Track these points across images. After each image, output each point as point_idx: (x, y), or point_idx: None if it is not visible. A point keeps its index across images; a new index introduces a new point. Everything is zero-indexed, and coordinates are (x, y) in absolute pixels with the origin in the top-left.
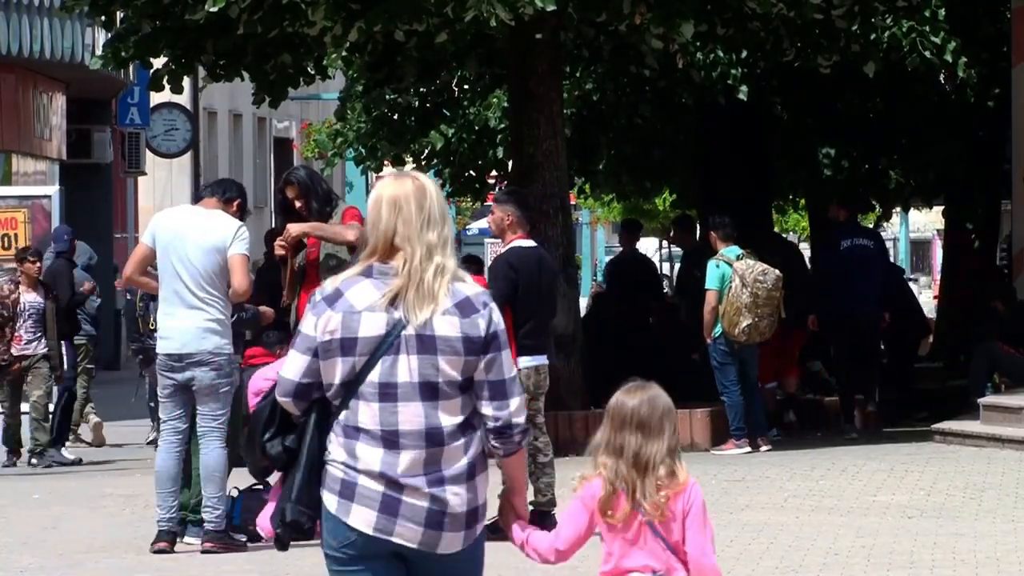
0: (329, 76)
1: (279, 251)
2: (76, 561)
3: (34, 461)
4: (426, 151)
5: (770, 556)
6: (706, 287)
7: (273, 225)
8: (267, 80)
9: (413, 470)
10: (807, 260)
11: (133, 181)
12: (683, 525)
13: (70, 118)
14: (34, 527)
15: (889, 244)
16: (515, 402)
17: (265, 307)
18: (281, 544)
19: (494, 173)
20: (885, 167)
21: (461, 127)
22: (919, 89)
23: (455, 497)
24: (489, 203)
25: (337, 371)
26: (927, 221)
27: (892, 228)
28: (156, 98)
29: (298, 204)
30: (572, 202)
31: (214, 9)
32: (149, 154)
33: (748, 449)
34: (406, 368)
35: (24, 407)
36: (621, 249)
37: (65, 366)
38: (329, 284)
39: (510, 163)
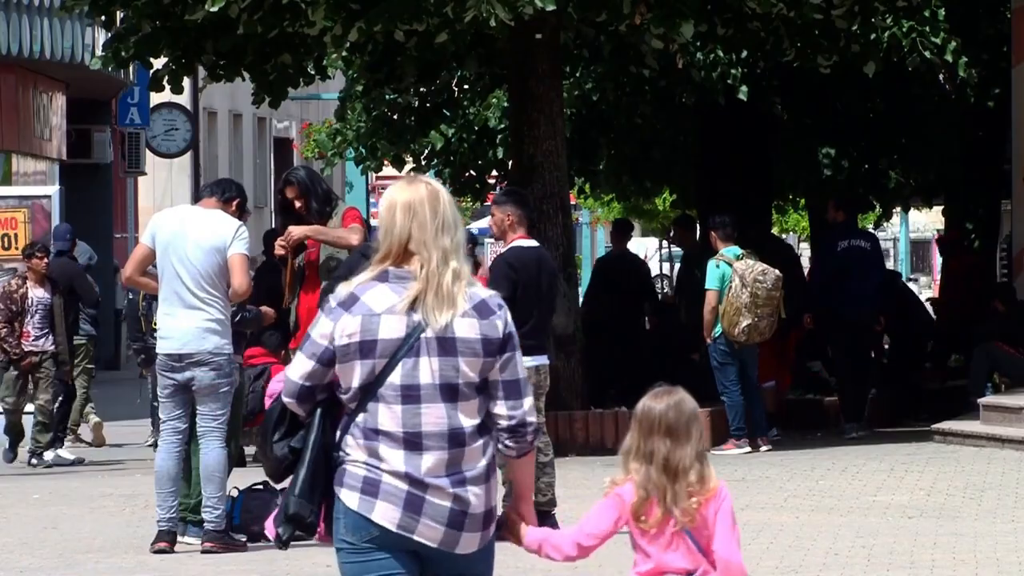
0: (329, 76)
1: (279, 251)
2: (76, 561)
3: (34, 461)
4: (426, 151)
5: (770, 556)
6: (706, 287)
7: (273, 225)
8: (267, 80)
9: (436, 471)
10: (807, 260)
11: (133, 181)
12: (713, 527)
13: (70, 118)
14: (34, 527)
15: (889, 244)
16: (528, 401)
17: (266, 308)
18: (281, 543)
19: (494, 173)
20: (885, 167)
21: (461, 127)
22: (919, 89)
23: (475, 498)
24: (489, 203)
25: (355, 374)
26: (927, 221)
27: (892, 228)
28: (156, 98)
29: (298, 204)
30: (572, 202)
31: (214, 9)
32: (149, 154)
33: (748, 449)
34: (428, 370)
35: (28, 406)
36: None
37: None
38: (343, 289)
39: (510, 163)
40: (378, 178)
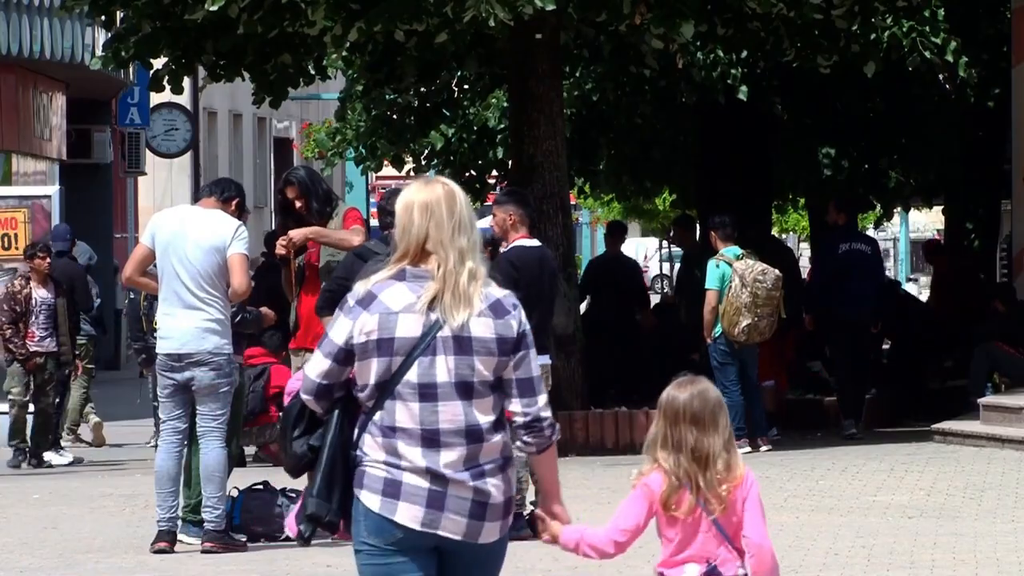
0: (329, 76)
1: (280, 251)
2: (76, 561)
3: (33, 461)
4: (426, 151)
5: None
6: (706, 287)
7: (272, 226)
8: (267, 80)
9: (456, 466)
10: (807, 260)
11: (133, 181)
12: (740, 513)
13: (70, 118)
14: (34, 527)
15: (889, 244)
16: (543, 398)
17: (266, 309)
18: (303, 540)
19: (494, 173)
20: (885, 167)
21: (461, 127)
22: (919, 89)
23: (495, 488)
24: (489, 203)
25: (372, 371)
26: (927, 221)
27: (892, 228)
28: (156, 98)
29: (298, 204)
30: (572, 202)
31: (214, 9)
32: (149, 154)
33: (748, 449)
34: (444, 368)
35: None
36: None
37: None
38: (360, 287)
39: (510, 163)
40: (378, 178)
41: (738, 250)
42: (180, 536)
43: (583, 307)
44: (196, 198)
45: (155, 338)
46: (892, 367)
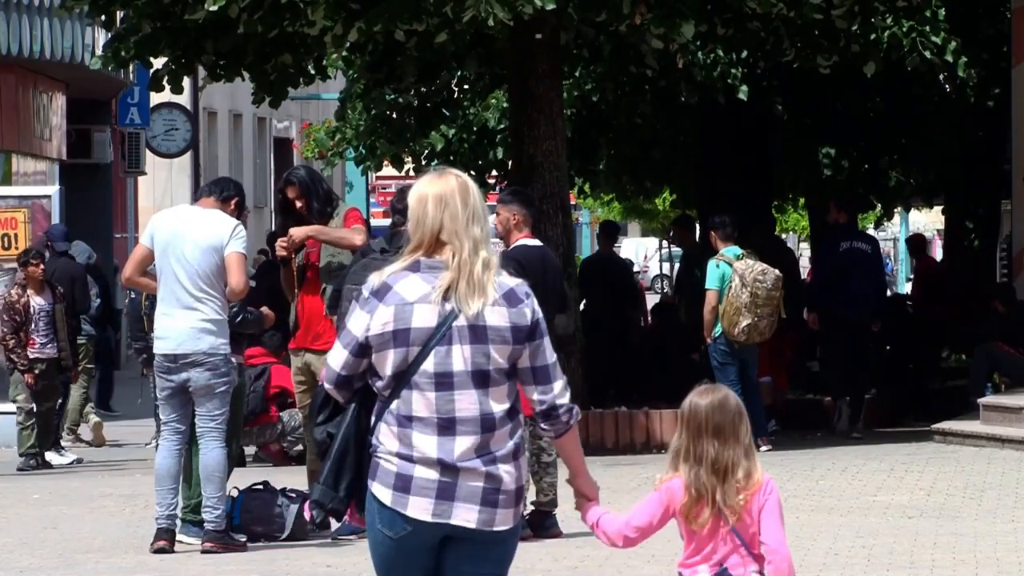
0: (329, 76)
1: (281, 252)
2: (76, 561)
3: (32, 463)
4: (426, 151)
5: None
6: (706, 287)
7: (273, 226)
8: (267, 80)
9: (468, 455)
10: (807, 260)
11: (133, 181)
12: (758, 519)
13: (70, 118)
14: (34, 527)
15: (889, 244)
16: (559, 385)
17: (267, 309)
18: (315, 525)
19: (494, 173)
20: (885, 167)
21: (461, 127)
22: (919, 89)
23: (507, 475)
24: (489, 203)
25: (389, 362)
26: (927, 221)
27: (892, 228)
28: (156, 98)
29: (298, 204)
30: (572, 202)
31: (214, 8)
32: (149, 154)
33: None
34: (460, 357)
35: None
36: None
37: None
38: (375, 279)
39: (510, 163)
40: (378, 178)
41: (738, 250)
42: (180, 536)
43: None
44: (196, 198)
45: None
46: (892, 367)
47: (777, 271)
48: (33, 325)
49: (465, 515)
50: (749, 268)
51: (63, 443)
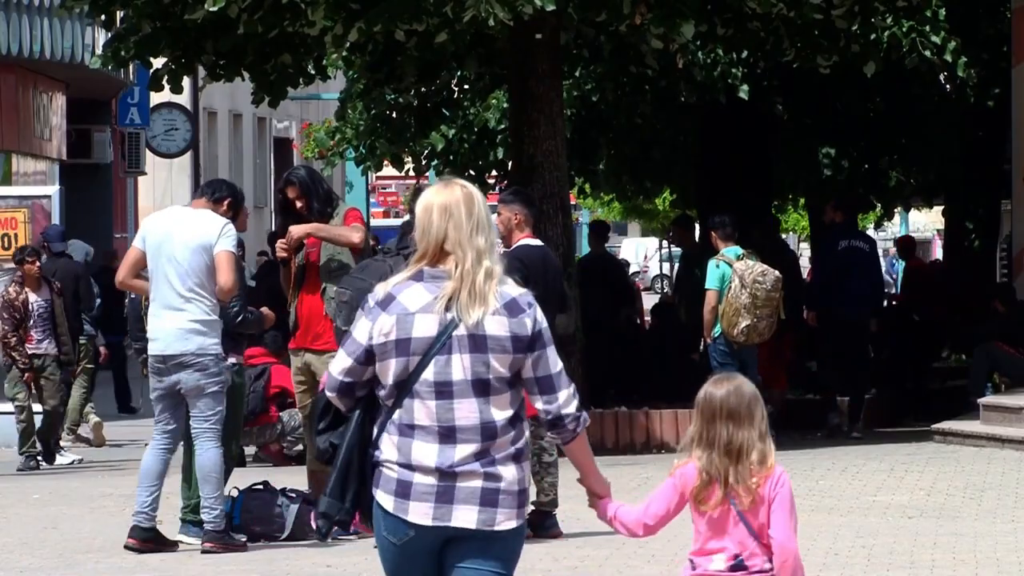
0: (329, 76)
1: (281, 253)
2: (76, 561)
3: (31, 464)
4: (426, 151)
5: None
6: (706, 287)
7: (273, 226)
8: (267, 80)
9: (467, 460)
10: (807, 260)
11: (133, 181)
12: (768, 510)
13: (70, 118)
14: (34, 527)
15: (889, 244)
16: (564, 394)
17: (267, 310)
18: (321, 535)
19: (494, 173)
20: (885, 167)
21: (461, 127)
22: (919, 89)
23: (507, 474)
24: (490, 203)
25: (391, 371)
26: (927, 221)
27: (892, 228)
28: (156, 98)
29: (299, 204)
30: (572, 202)
31: (214, 9)
32: (149, 154)
33: None
34: (460, 366)
35: (36, 407)
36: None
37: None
38: (380, 289)
39: (510, 163)
40: (378, 178)
41: (738, 250)
42: (180, 536)
43: None
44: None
45: None
46: (892, 367)
47: (777, 272)
48: (31, 322)
49: (465, 516)
50: (749, 269)
51: (63, 443)
